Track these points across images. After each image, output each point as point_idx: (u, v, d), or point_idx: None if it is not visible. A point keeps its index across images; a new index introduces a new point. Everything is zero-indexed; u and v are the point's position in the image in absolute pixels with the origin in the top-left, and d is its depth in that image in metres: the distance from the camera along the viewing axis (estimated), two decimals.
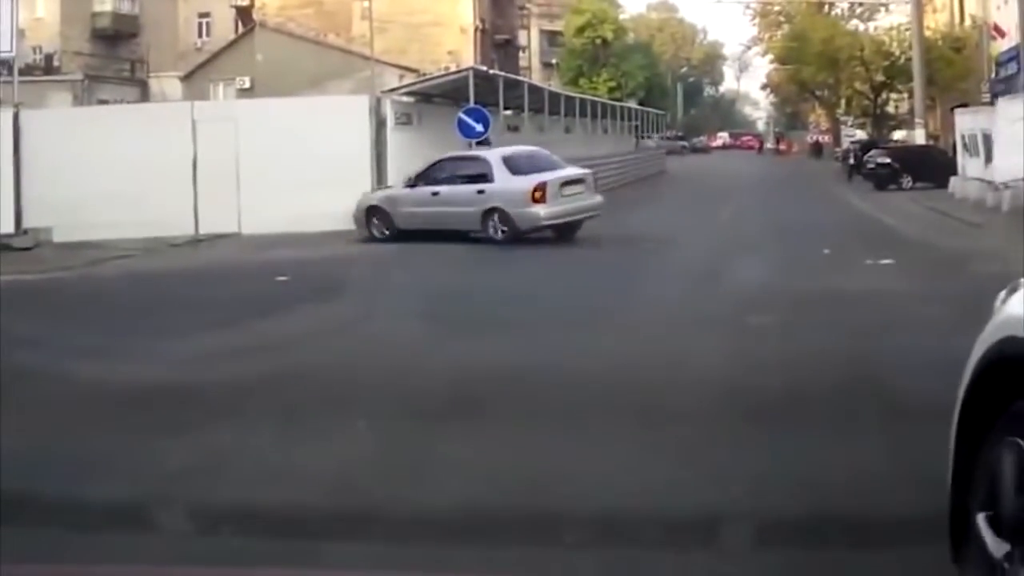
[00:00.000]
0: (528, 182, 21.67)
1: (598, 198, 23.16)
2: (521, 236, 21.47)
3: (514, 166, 22.17)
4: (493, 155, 22.66)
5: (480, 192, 21.82)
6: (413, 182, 22.86)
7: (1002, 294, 3.82)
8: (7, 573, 2.48)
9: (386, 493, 6.19)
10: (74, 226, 22.84)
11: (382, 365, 10.00)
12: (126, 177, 23.21)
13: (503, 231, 21.55)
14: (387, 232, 22.82)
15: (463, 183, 22.15)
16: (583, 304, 14.02)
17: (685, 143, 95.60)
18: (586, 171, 23.58)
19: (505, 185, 21.67)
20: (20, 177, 23.83)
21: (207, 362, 9.93)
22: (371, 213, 23.20)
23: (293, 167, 23.55)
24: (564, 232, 22.13)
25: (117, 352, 10.44)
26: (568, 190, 22.16)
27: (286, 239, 22.43)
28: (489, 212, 21.66)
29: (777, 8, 77.50)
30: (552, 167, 22.85)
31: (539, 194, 21.53)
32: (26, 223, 23.69)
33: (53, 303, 16.06)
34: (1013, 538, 3.35)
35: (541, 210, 21.57)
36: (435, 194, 22.33)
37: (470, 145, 25.32)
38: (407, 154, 25.16)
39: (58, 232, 23.32)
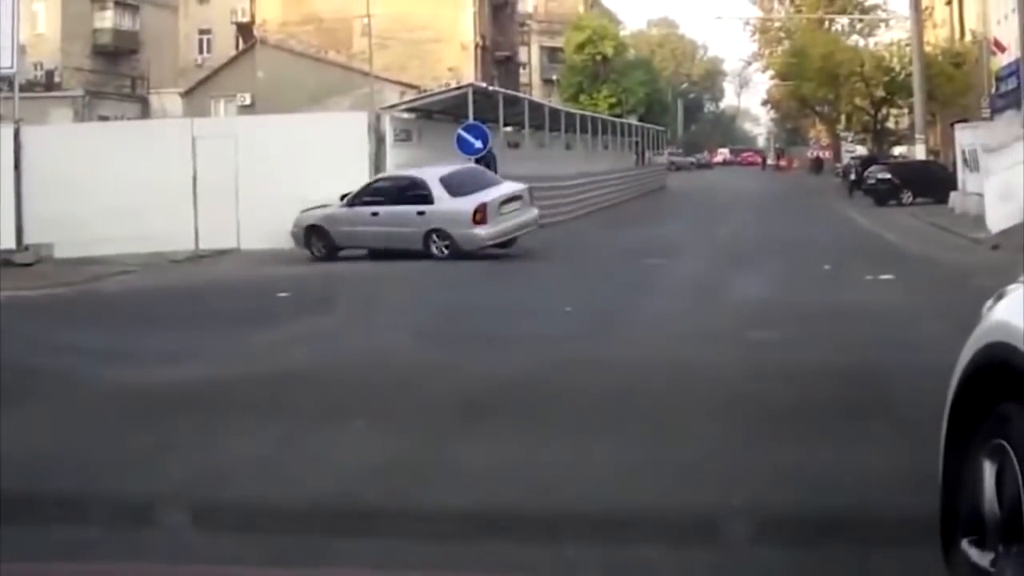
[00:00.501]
0: (468, 203, 21.74)
1: (535, 212, 23.33)
2: (464, 256, 21.45)
3: (452, 186, 22.19)
4: (430, 175, 22.66)
5: (420, 213, 21.84)
6: (351, 201, 22.79)
7: (989, 302, 3.89)
8: (7, 573, 2.48)
9: (387, 492, 6.22)
10: (75, 242, 22.87)
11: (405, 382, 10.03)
12: (127, 193, 23.24)
13: (445, 248, 21.61)
14: (324, 251, 22.76)
15: (402, 203, 22.17)
16: (588, 317, 14.01)
17: (694, 159, 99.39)
18: (523, 187, 23.58)
19: (445, 206, 21.73)
20: (21, 193, 23.88)
21: (206, 377, 9.94)
22: (310, 232, 23.02)
23: (292, 183, 23.50)
24: (501, 245, 22.28)
25: (116, 365, 10.45)
26: (507, 207, 22.31)
27: (285, 255, 22.47)
28: (431, 233, 21.73)
29: (777, 24, 77.85)
30: (490, 184, 22.93)
31: (480, 215, 21.67)
32: (27, 239, 23.73)
33: (52, 319, 16.04)
34: (999, 540, 3.43)
35: (483, 231, 21.73)
36: (374, 214, 22.32)
37: (475, 162, 25.27)
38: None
39: (59, 248, 23.35)
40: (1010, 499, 3.36)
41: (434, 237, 21.73)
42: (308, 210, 23.18)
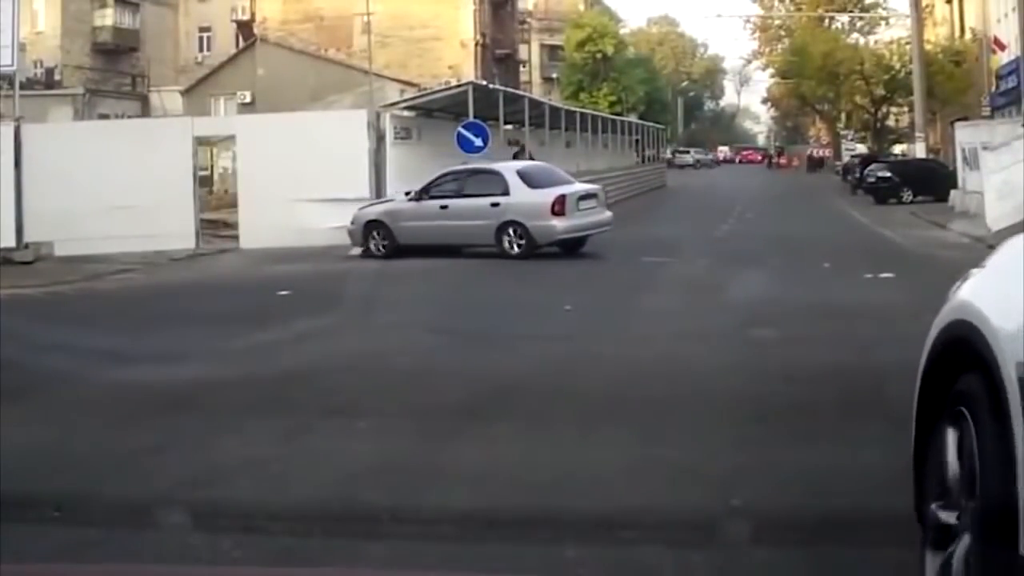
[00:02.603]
0: (547, 195, 21.33)
1: (608, 214, 22.87)
2: (536, 250, 21.16)
3: (529, 179, 21.85)
4: (507, 168, 22.40)
5: (495, 205, 21.36)
6: (417, 195, 22.22)
7: (957, 284, 4.17)
8: (7, 573, 2.49)
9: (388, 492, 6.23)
10: (75, 240, 22.82)
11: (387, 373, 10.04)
12: (127, 191, 23.19)
13: (519, 245, 21.24)
14: (385, 247, 22.22)
15: (475, 196, 21.69)
16: (594, 315, 14.04)
17: (714, 158, 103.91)
18: (597, 186, 23.42)
19: (523, 198, 21.27)
20: (21, 191, 23.81)
21: (203, 377, 9.95)
22: (370, 228, 22.51)
23: (292, 181, 23.46)
24: (570, 247, 21.83)
25: (116, 364, 10.46)
26: (583, 204, 21.89)
27: (285, 254, 22.43)
28: (505, 226, 21.26)
29: (777, 22, 77.85)
30: (564, 181, 22.67)
31: (558, 207, 21.21)
32: (27, 237, 23.67)
33: (52, 318, 16.02)
34: (961, 497, 3.74)
35: (559, 223, 21.23)
36: (443, 207, 21.78)
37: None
38: (406, 168, 25.14)
39: (59, 246, 23.31)
40: (969, 460, 3.67)
41: (508, 231, 21.27)
42: (367, 206, 22.86)
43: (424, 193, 22.23)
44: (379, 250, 22.28)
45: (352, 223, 22.75)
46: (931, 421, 4.11)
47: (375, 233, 22.45)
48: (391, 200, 22.93)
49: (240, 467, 6.85)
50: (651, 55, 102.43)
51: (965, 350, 3.75)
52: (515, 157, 28.05)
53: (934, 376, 4.11)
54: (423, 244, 21.69)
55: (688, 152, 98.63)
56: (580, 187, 22.58)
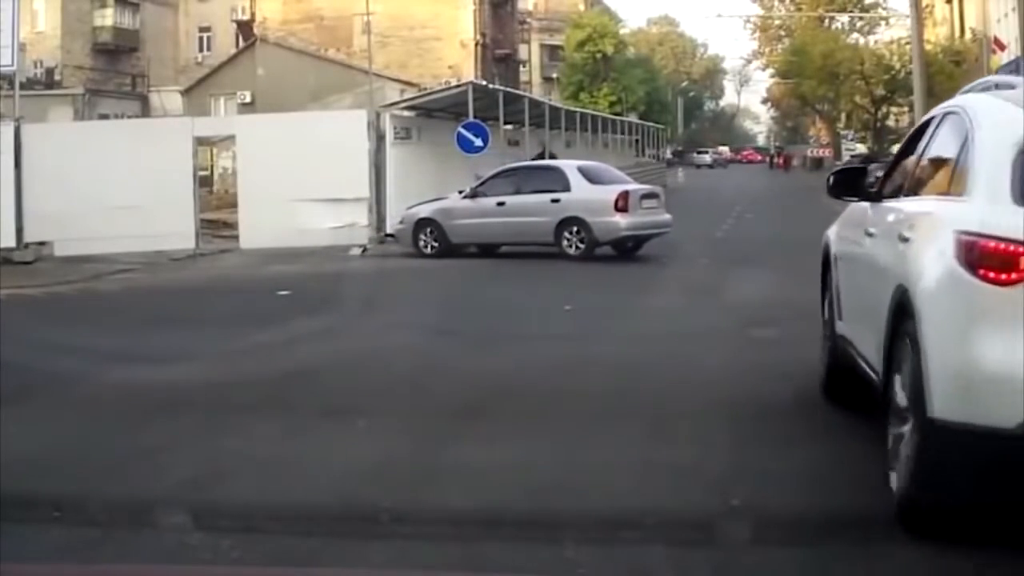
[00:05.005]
0: (609, 191, 21.06)
1: (668, 216, 22.35)
2: (596, 248, 20.87)
3: (590, 175, 21.64)
4: (568, 164, 22.24)
5: (555, 201, 21.05)
6: (472, 193, 22.05)
7: None
8: (7, 573, 2.49)
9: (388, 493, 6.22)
10: (75, 240, 22.80)
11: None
12: (127, 191, 23.14)
13: (579, 243, 20.93)
14: (436, 246, 21.98)
15: (534, 193, 21.42)
16: (594, 315, 14.05)
17: (724, 158, 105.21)
18: (658, 187, 23.22)
19: (584, 194, 20.98)
20: (21, 191, 23.76)
21: (201, 377, 9.94)
22: (420, 226, 22.29)
23: (292, 182, 23.40)
24: (628, 249, 21.48)
25: (116, 364, 10.45)
26: (645, 203, 21.59)
27: (285, 253, 22.43)
28: (565, 222, 20.95)
29: (777, 22, 77.91)
30: (624, 180, 22.48)
31: (622, 202, 20.84)
32: (27, 237, 23.63)
33: (52, 318, 16.02)
34: (830, 326, 7.90)
35: (622, 219, 20.85)
36: (501, 204, 21.50)
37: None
38: (407, 169, 25.10)
39: (59, 246, 23.28)
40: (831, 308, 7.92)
41: (569, 228, 20.94)
42: (417, 204, 22.72)
43: (478, 190, 22.07)
44: (431, 248, 22.07)
45: (401, 222, 22.69)
46: (823, 294, 8.33)
47: (426, 232, 22.24)
48: (443, 199, 22.66)
49: (240, 467, 6.85)
50: (651, 55, 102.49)
51: (826, 256, 8.26)
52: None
53: (822, 273, 8.38)
54: (477, 243, 21.57)
55: (706, 152, 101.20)
56: (641, 186, 22.37)
